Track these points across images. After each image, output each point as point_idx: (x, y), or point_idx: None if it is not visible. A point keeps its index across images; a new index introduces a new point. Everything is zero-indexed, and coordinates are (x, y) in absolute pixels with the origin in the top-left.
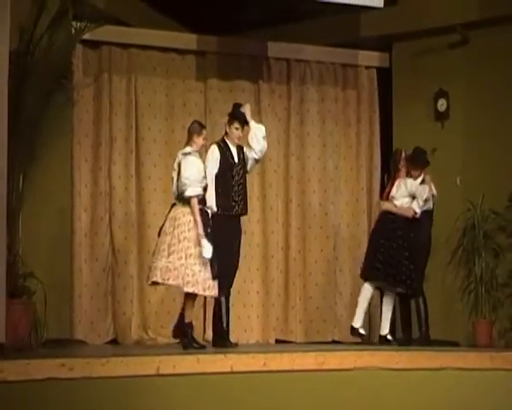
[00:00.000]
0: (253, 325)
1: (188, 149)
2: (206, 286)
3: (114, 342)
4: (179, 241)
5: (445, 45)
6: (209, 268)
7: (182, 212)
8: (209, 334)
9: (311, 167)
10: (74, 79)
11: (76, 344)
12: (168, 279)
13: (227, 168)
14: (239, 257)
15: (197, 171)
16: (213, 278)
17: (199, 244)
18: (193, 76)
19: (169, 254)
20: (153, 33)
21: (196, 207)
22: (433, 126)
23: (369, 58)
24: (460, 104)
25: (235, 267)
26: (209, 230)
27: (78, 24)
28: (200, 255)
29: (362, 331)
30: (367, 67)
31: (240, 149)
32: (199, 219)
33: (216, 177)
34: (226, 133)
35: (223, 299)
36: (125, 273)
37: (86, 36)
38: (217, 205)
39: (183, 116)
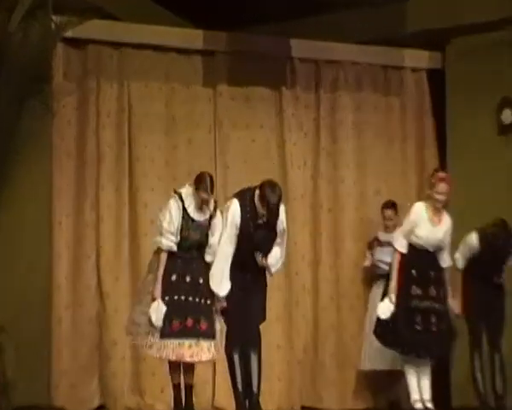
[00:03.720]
0: (274, 389)
1: (184, 188)
2: (147, 343)
3: (102, 409)
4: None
5: None
6: (157, 322)
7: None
8: (220, 400)
9: (346, 193)
10: (54, 83)
11: None
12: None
13: (247, 238)
14: (252, 303)
15: (170, 219)
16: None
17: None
18: (199, 81)
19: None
20: (149, 29)
21: (163, 262)
22: (497, 141)
23: (417, 58)
24: None
25: (246, 317)
26: (172, 297)
27: (60, 18)
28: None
29: (429, 406)
30: (414, 70)
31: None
32: (160, 276)
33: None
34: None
35: (235, 356)
36: (115, 324)
37: (69, 33)
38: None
39: (188, 129)
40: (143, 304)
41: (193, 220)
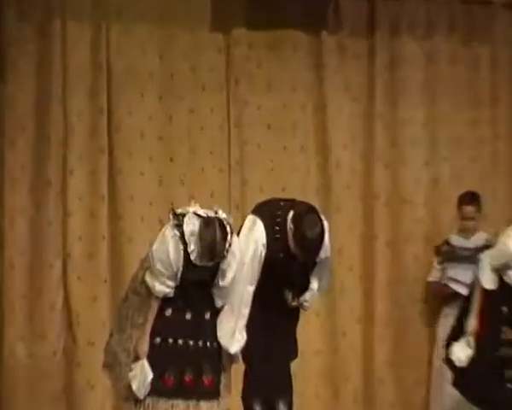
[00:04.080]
0: None
1: (187, 215)
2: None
3: None
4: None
5: None
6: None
7: None
8: None
9: (411, 180)
10: (2, 28)
11: None
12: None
13: (274, 273)
14: (278, 337)
15: (167, 261)
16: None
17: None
18: (206, 23)
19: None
20: None
21: (154, 310)
22: None
23: None
24: None
25: (272, 354)
26: (165, 339)
27: None
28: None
29: None
30: (506, 5)
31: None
32: (148, 328)
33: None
34: None
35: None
36: (89, 361)
37: None
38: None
39: (189, 92)
40: (124, 337)
41: (196, 266)
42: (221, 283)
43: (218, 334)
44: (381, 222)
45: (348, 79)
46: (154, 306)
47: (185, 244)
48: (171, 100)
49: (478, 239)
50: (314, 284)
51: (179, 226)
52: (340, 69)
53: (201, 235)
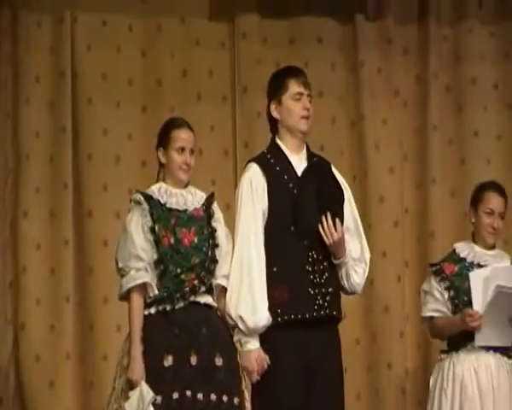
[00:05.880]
0: None
1: (134, 195)
2: None
3: None
4: (114, 378)
5: None
6: None
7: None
8: None
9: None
10: None
11: None
12: None
13: (286, 211)
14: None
15: (131, 241)
16: None
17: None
18: (204, 10)
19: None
20: None
21: (133, 315)
22: None
23: None
24: None
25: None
26: (169, 395)
27: None
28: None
29: None
30: None
31: (314, 161)
32: (134, 345)
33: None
34: (275, 125)
35: None
36: None
37: None
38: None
39: (183, 99)
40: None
41: (175, 211)
42: (218, 251)
43: (229, 309)
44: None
45: (395, 81)
46: (136, 306)
47: (148, 199)
48: (158, 113)
49: None
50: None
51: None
52: (383, 68)
53: None
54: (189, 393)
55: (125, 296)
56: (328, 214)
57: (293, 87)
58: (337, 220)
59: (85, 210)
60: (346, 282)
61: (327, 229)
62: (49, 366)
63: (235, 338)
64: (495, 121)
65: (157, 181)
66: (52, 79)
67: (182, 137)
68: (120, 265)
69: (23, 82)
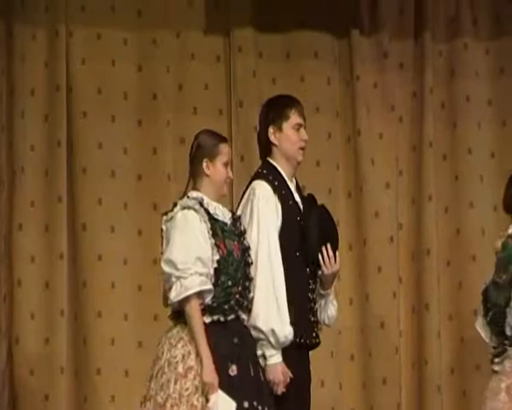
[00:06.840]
0: None
1: (187, 200)
2: None
3: None
4: (161, 386)
5: None
6: None
7: (177, 334)
8: None
9: (475, 228)
10: None
11: None
12: None
13: (293, 236)
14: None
15: (198, 244)
16: None
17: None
18: (199, 23)
19: (142, 403)
20: None
21: (197, 320)
22: None
23: None
24: None
25: None
26: (241, 405)
27: None
28: None
29: None
30: None
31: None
32: (204, 349)
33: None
34: (269, 148)
35: None
36: None
37: None
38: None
39: (178, 114)
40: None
41: (221, 222)
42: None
43: (256, 322)
44: (435, 288)
45: (390, 96)
46: (195, 313)
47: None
48: (153, 127)
49: None
50: None
51: (189, 200)
52: (378, 83)
53: None
54: (255, 403)
55: (181, 301)
56: (329, 246)
57: (295, 117)
58: (337, 252)
59: (80, 224)
60: (322, 312)
61: (327, 259)
62: (43, 379)
63: (259, 352)
64: (489, 138)
65: (186, 190)
66: (47, 92)
67: (228, 151)
68: (180, 266)
69: (18, 95)
